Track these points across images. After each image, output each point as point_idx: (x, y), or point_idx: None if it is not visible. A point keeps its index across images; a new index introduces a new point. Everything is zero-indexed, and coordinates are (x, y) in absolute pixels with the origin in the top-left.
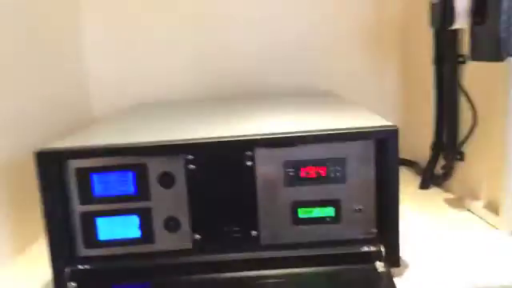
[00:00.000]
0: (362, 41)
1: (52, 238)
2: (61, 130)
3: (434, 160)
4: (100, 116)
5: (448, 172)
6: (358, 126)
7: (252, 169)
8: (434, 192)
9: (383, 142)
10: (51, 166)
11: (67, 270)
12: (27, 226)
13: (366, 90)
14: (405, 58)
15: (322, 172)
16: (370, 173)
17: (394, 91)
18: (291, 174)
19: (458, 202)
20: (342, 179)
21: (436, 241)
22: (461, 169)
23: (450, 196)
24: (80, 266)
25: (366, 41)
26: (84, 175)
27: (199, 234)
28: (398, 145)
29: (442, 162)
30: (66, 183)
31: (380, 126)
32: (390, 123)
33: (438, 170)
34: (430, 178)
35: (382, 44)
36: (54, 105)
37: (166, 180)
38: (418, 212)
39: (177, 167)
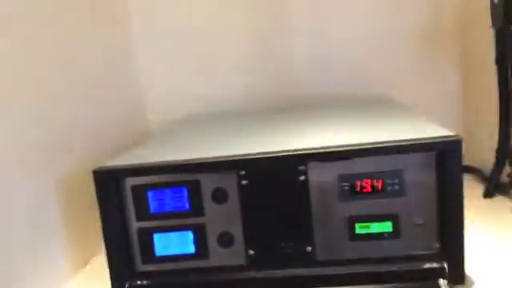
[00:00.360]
0: (419, 42)
1: (111, 254)
2: (118, 143)
3: (499, 167)
4: (154, 126)
5: None
6: (417, 137)
7: (306, 183)
8: (499, 201)
9: (445, 153)
10: (108, 184)
11: (127, 285)
12: (88, 241)
13: (425, 93)
14: (465, 58)
15: (379, 185)
16: (430, 185)
17: (454, 93)
18: (346, 187)
19: None
20: (400, 192)
21: (503, 256)
22: None
23: None
24: (138, 282)
25: (423, 42)
26: (140, 192)
27: (253, 250)
28: (461, 156)
29: (508, 168)
30: (122, 200)
31: (442, 137)
32: (452, 133)
33: (504, 177)
34: (494, 187)
35: (440, 44)
36: (112, 118)
37: (219, 196)
38: (483, 223)
39: (230, 183)
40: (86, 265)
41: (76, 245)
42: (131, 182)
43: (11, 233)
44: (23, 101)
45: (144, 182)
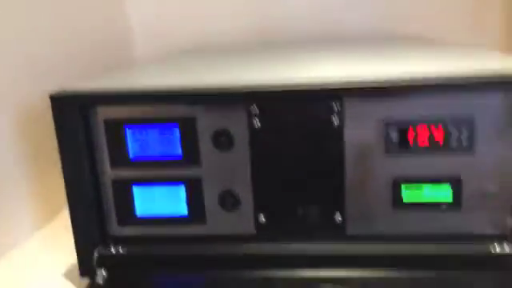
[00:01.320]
0: None
1: (75, 211)
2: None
3: None
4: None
5: None
6: (499, 68)
7: (340, 129)
8: None
9: None
10: (73, 115)
11: (96, 253)
12: (54, 191)
13: (462, 34)
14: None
15: (439, 136)
16: (510, 139)
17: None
18: (394, 138)
19: None
20: (467, 148)
21: None
22: None
23: None
24: (112, 249)
25: None
26: (116, 129)
27: (265, 216)
28: None
29: None
30: (92, 139)
31: None
32: None
33: None
34: None
35: None
36: (93, 47)
37: (222, 140)
38: None
39: (237, 123)
40: (50, 221)
41: (39, 196)
42: (104, 113)
43: None
44: None
45: (121, 116)
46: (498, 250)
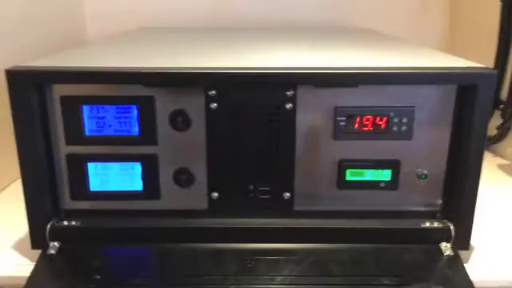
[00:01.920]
0: None
1: (29, 184)
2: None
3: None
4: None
5: (503, 133)
6: (436, 65)
7: (292, 113)
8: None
9: (469, 90)
10: (28, 91)
11: (49, 225)
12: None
13: (406, 29)
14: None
15: (382, 124)
16: (444, 128)
17: (440, 31)
18: (342, 123)
19: None
20: (406, 134)
21: (498, 218)
22: None
23: (505, 162)
24: (65, 222)
25: None
26: (73, 106)
27: (217, 192)
28: (491, 96)
29: (496, 120)
30: (48, 115)
31: (471, 68)
32: (482, 65)
33: (490, 129)
34: None
35: None
36: (42, 23)
37: (179, 120)
38: None
39: (194, 104)
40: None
41: None
42: (60, 91)
43: None
44: None
45: (79, 93)
46: (427, 225)
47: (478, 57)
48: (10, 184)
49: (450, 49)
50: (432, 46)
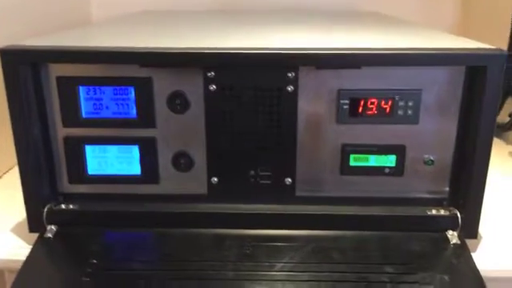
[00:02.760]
0: None
1: (25, 168)
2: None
3: (498, 104)
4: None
5: None
6: (445, 46)
7: (293, 96)
8: (494, 143)
9: (478, 72)
10: (23, 71)
11: (46, 209)
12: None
13: (413, 13)
14: None
15: (387, 107)
16: (452, 113)
17: (450, 14)
18: (345, 107)
19: None
20: (413, 119)
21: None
22: None
23: None
24: (63, 206)
25: None
26: (69, 87)
27: (217, 177)
28: (501, 78)
29: (508, 107)
30: (44, 96)
31: (480, 49)
32: (491, 46)
33: (504, 116)
34: None
35: None
36: (46, 8)
37: (178, 102)
38: None
39: (193, 86)
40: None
41: None
42: (57, 71)
43: None
44: None
45: (75, 74)
46: (433, 212)
47: (491, 42)
48: (12, 167)
49: (464, 34)
50: (444, 31)
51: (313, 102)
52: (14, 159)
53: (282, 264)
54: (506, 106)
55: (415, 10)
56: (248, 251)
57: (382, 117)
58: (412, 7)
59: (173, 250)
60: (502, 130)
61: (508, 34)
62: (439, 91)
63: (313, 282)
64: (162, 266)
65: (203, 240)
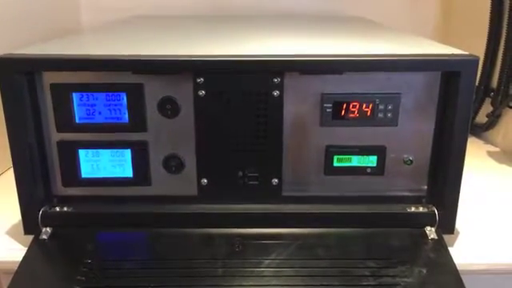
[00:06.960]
0: None
1: (20, 172)
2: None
3: (477, 105)
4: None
5: (494, 121)
6: (421, 53)
7: (279, 100)
8: (472, 143)
9: (453, 77)
10: (19, 79)
11: (41, 212)
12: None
13: (396, 18)
14: None
15: (368, 110)
16: (429, 115)
17: (431, 19)
18: (329, 110)
19: (504, 157)
20: (392, 121)
21: (487, 204)
22: (510, 118)
23: (495, 149)
24: (57, 208)
25: None
26: (63, 94)
27: (206, 178)
28: (474, 82)
29: (486, 108)
30: (38, 102)
31: (454, 55)
32: (464, 52)
33: (481, 117)
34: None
35: None
36: (35, 14)
37: (169, 108)
38: None
39: (183, 92)
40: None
41: None
42: (51, 78)
43: None
44: None
45: (69, 81)
46: (413, 209)
47: (471, 46)
48: (6, 170)
49: (444, 38)
50: (426, 36)
51: (298, 105)
52: (9, 162)
53: (269, 260)
54: (484, 106)
55: (399, 14)
56: (237, 249)
57: (364, 119)
58: (396, 12)
59: (164, 249)
60: (480, 130)
61: (485, 38)
62: (417, 95)
63: (299, 277)
64: (154, 265)
65: (194, 239)
